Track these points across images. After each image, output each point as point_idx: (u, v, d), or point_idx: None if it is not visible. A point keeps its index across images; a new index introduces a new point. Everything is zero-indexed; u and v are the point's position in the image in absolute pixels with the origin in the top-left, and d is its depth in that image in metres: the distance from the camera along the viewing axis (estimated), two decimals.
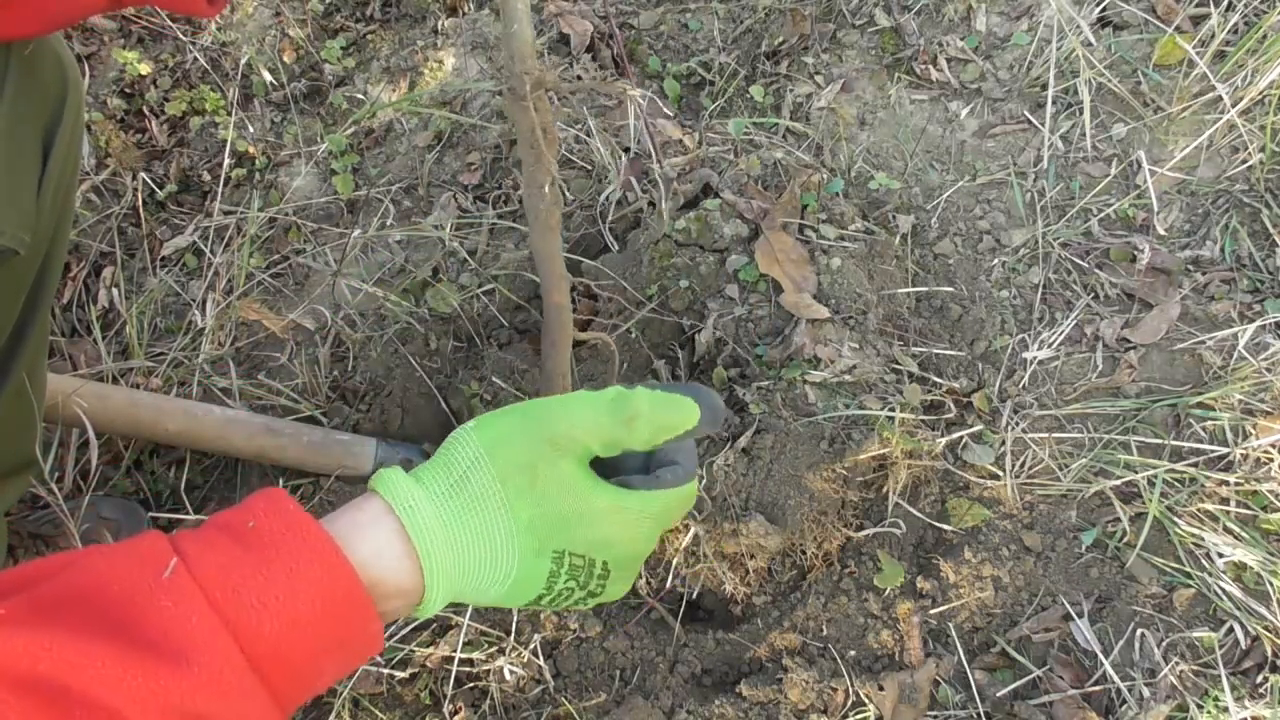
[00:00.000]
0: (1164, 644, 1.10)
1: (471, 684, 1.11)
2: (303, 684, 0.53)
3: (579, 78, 1.66)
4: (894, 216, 1.44)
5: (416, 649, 1.10)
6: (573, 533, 0.61)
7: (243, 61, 1.70)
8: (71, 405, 1.17)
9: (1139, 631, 1.12)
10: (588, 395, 0.63)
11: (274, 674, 0.50)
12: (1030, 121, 1.53)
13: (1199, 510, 1.18)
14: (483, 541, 0.59)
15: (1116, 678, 1.08)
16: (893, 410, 1.18)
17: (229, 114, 1.66)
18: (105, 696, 0.44)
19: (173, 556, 0.49)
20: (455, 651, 1.09)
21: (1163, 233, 1.41)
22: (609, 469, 0.65)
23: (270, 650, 0.50)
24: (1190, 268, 1.38)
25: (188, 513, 1.19)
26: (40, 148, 0.85)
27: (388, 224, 1.52)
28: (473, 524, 0.58)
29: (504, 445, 0.60)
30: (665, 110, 1.60)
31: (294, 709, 0.53)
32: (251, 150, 1.63)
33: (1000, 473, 1.22)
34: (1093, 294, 1.37)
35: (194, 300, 1.48)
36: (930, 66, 1.60)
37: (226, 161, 1.59)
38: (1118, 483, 1.20)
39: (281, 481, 1.24)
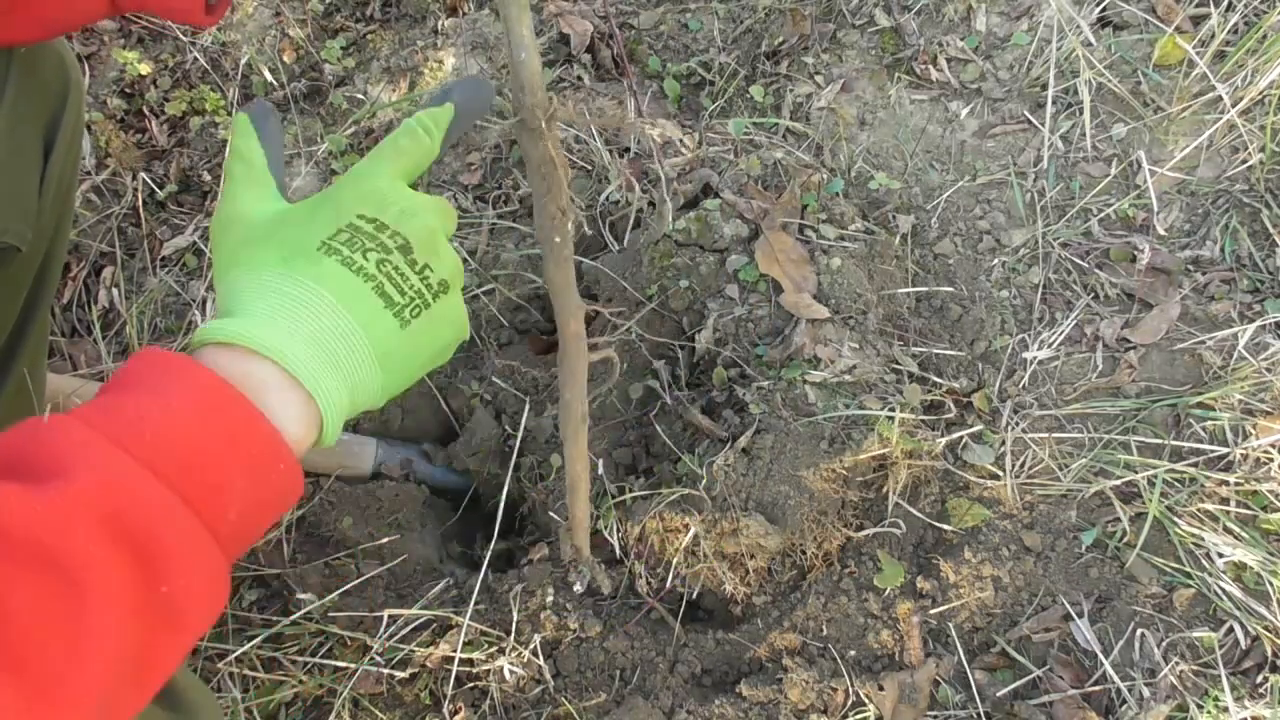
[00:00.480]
0: (1164, 644, 1.10)
1: (471, 684, 1.11)
2: (210, 486, 0.50)
3: (580, 78, 1.66)
4: (894, 216, 1.44)
5: (416, 649, 1.10)
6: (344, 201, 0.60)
7: (243, 61, 1.70)
8: (71, 405, 1.17)
9: (1139, 631, 1.12)
10: (369, 170, 0.61)
11: (169, 471, 0.48)
12: (1030, 121, 1.53)
13: (1199, 510, 1.18)
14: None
15: (1116, 678, 1.08)
16: (893, 410, 1.18)
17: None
18: (16, 527, 0.43)
19: (54, 418, 0.49)
20: (455, 651, 1.09)
21: (1163, 233, 1.41)
22: None
23: (155, 450, 0.48)
24: (1190, 268, 1.38)
25: None
26: (41, 146, 0.85)
27: None
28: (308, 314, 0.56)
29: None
30: (665, 110, 1.60)
31: (223, 526, 0.50)
32: None
33: (1000, 473, 1.22)
34: (1093, 294, 1.37)
35: (194, 300, 1.48)
36: (930, 66, 1.60)
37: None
38: (1118, 483, 1.20)
39: None
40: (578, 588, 1.12)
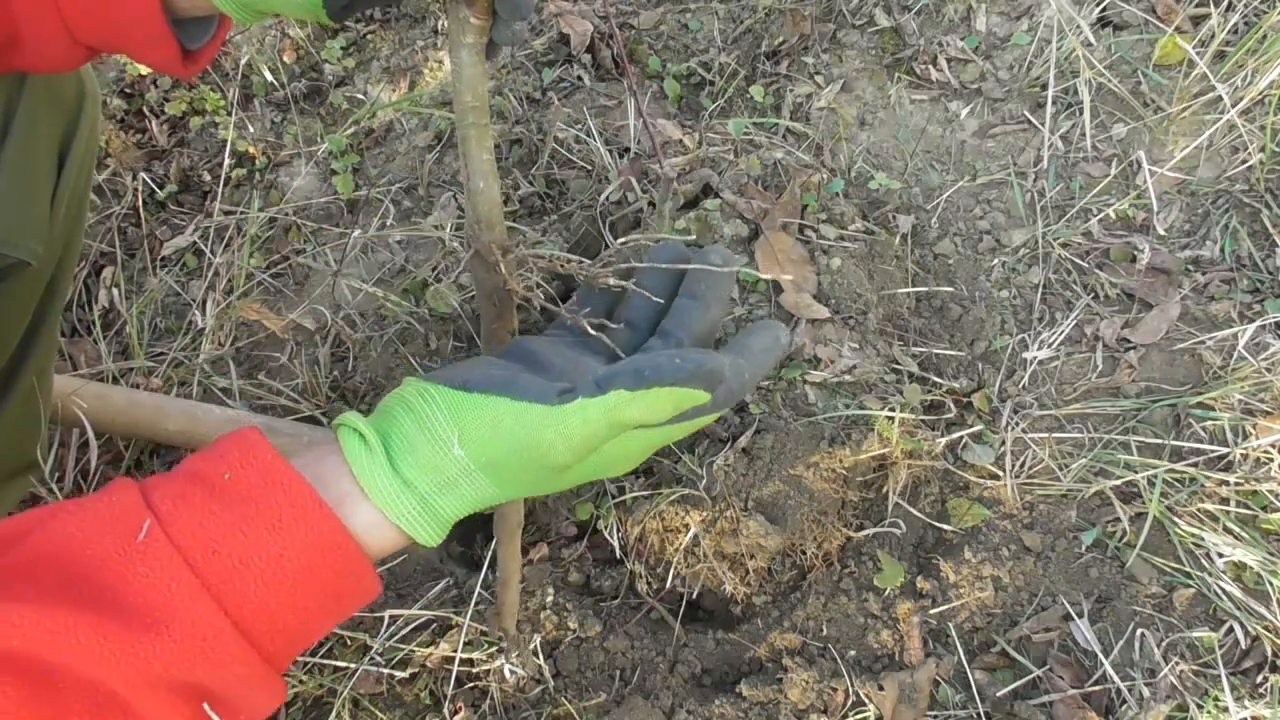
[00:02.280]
0: (1164, 644, 1.10)
1: (471, 684, 1.11)
2: (295, 641, 0.51)
3: (580, 78, 1.66)
4: (894, 216, 1.44)
5: (416, 649, 1.10)
6: (560, 480, 0.58)
7: (243, 61, 1.70)
8: (71, 405, 1.17)
9: (1139, 631, 1.12)
10: (578, 413, 0.54)
11: (263, 635, 0.48)
12: (1030, 121, 1.53)
13: (1199, 510, 1.18)
14: (477, 506, 0.57)
15: (1116, 678, 1.08)
16: (893, 410, 1.18)
17: (229, 114, 1.66)
18: (87, 670, 0.43)
19: (147, 516, 0.47)
20: (455, 651, 1.09)
21: (1163, 233, 1.41)
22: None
23: (257, 612, 0.48)
24: (1190, 268, 1.38)
25: None
26: (55, 160, 0.85)
27: (388, 224, 1.52)
28: (465, 507, 0.56)
29: (500, 468, 0.55)
30: (665, 110, 1.60)
31: (287, 665, 0.51)
32: (251, 150, 1.63)
33: (1000, 473, 1.22)
34: (1093, 294, 1.37)
35: (194, 300, 1.48)
36: (930, 66, 1.60)
37: (226, 161, 1.59)
38: (1118, 483, 1.20)
39: None
40: (508, 671, 1.07)
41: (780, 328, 0.61)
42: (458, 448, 0.54)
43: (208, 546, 0.47)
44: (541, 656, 1.11)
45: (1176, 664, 1.08)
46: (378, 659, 1.09)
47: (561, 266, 0.60)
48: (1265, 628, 1.10)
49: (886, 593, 1.15)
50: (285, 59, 1.73)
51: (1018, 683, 1.10)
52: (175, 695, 0.46)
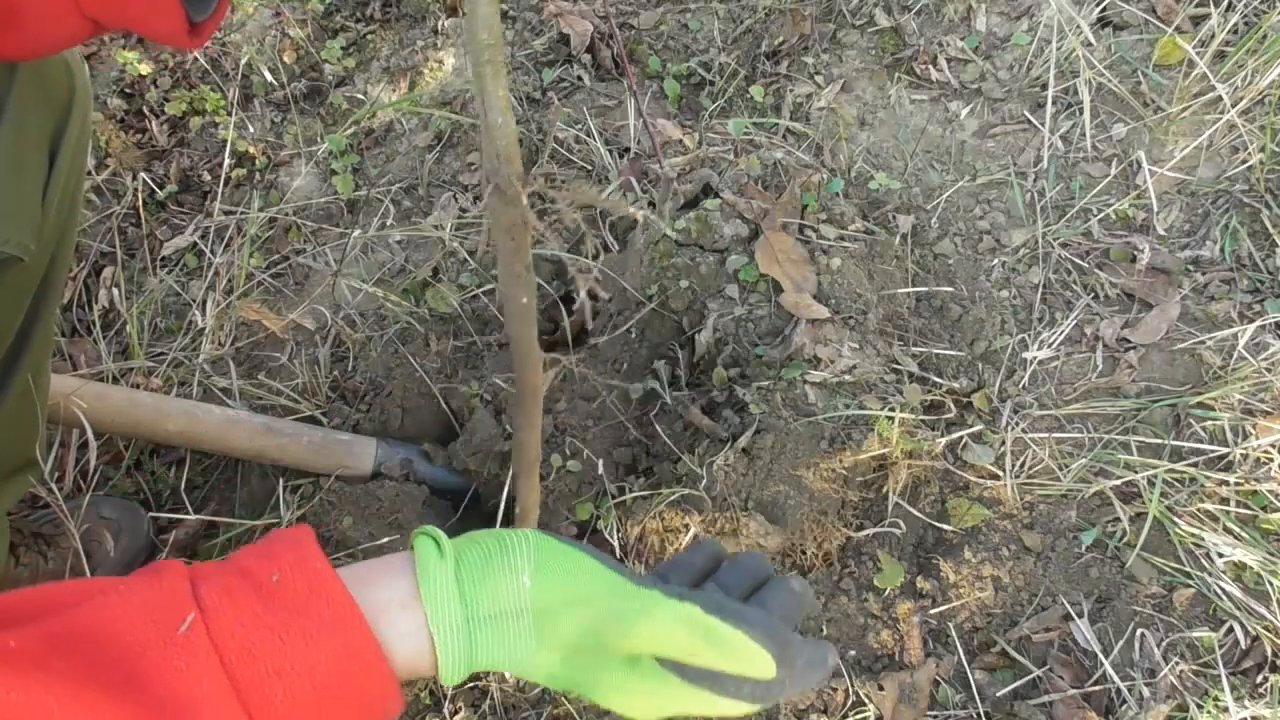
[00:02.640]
0: (1164, 644, 1.10)
1: (471, 684, 1.11)
2: None
3: (580, 78, 1.66)
4: (894, 216, 1.44)
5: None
6: (591, 697, 0.58)
7: (243, 61, 1.70)
8: (71, 405, 1.17)
9: (1139, 631, 1.12)
10: (668, 604, 0.55)
11: None
12: (1030, 121, 1.53)
13: (1199, 510, 1.18)
14: (506, 664, 0.56)
15: (1116, 678, 1.08)
16: (893, 410, 1.18)
17: (229, 114, 1.66)
18: None
19: (192, 610, 0.48)
20: None
21: (1163, 233, 1.41)
22: None
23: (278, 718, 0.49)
24: (1190, 268, 1.38)
25: (188, 512, 1.19)
26: (47, 153, 0.84)
27: (388, 224, 1.52)
28: (499, 656, 0.56)
29: (552, 617, 0.55)
30: (665, 110, 1.60)
31: None
32: (251, 150, 1.63)
33: (1000, 473, 1.22)
34: (1093, 294, 1.37)
35: (194, 300, 1.48)
36: (930, 66, 1.60)
37: (226, 161, 1.59)
38: (1118, 483, 1.20)
39: (282, 482, 1.24)
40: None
41: (831, 649, 0.61)
42: (526, 578, 0.55)
43: (244, 648, 0.48)
44: None
45: (1176, 664, 1.08)
46: None
47: (579, 201, 0.61)
48: (1265, 628, 1.10)
49: (886, 593, 1.15)
50: (285, 59, 1.73)
51: (1018, 683, 1.10)
52: None
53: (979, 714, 1.08)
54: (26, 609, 0.48)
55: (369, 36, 1.76)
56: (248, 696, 0.47)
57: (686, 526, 1.14)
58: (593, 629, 0.55)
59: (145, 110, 1.69)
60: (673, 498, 1.14)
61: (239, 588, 0.50)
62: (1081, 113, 1.49)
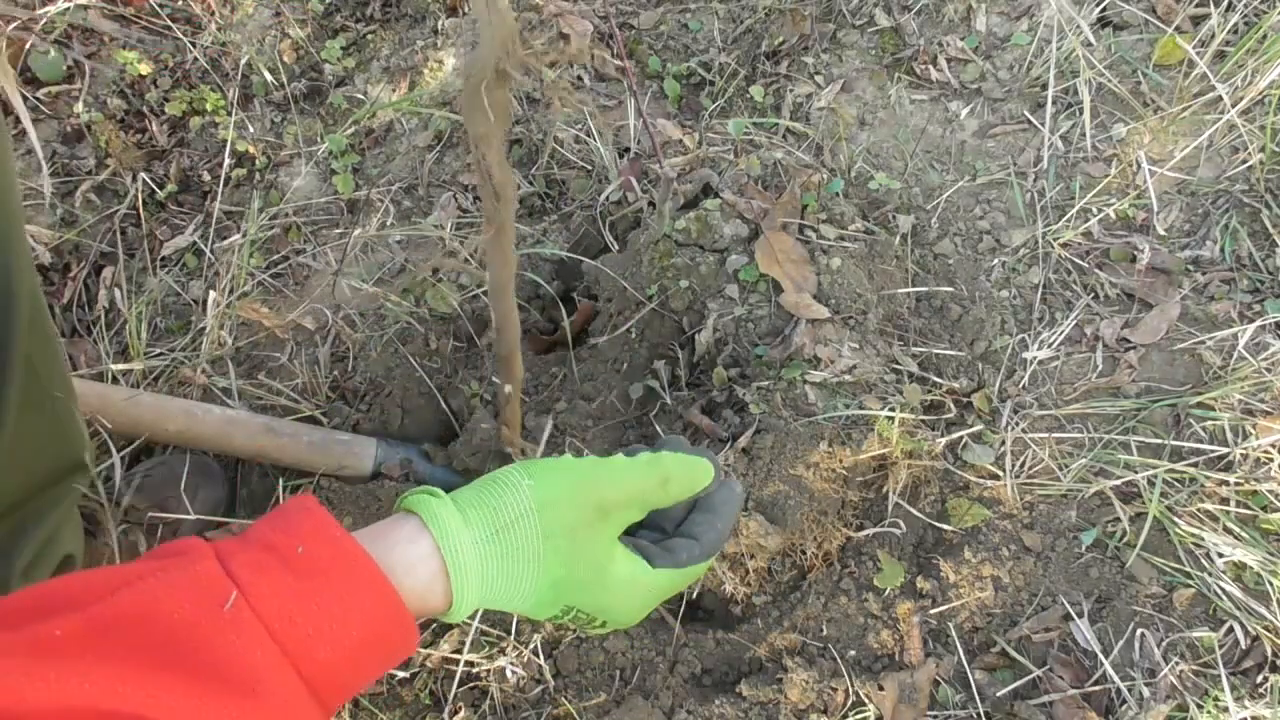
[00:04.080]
0: (1164, 644, 1.10)
1: (471, 684, 1.11)
2: (349, 695, 0.57)
3: (580, 78, 1.66)
4: (894, 216, 1.44)
5: (417, 649, 1.10)
6: (586, 595, 0.66)
7: (243, 61, 1.70)
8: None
9: (1139, 631, 1.12)
10: (627, 461, 0.68)
11: (327, 694, 0.53)
12: (1030, 121, 1.53)
13: (1199, 510, 1.18)
14: (511, 585, 0.63)
15: (1116, 678, 1.08)
16: (893, 410, 1.18)
17: (229, 114, 1.66)
18: None
19: (231, 588, 0.51)
20: (456, 652, 1.09)
21: (1163, 233, 1.41)
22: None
23: (323, 674, 0.53)
24: (1190, 268, 1.38)
25: (187, 512, 1.19)
26: None
27: (388, 224, 1.52)
28: (507, 569, 0.63)
29: (554, 506, 0.64)
30: (665, 110, 1.60)
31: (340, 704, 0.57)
32: (251, 150, 1.63)
33: (1000, 473, 1.22)
34: (1093, 294, 1.37)
35: (194, 300, 1.48)
36: (930, 66, 1.60)
37: (226, 161, 1.59)
38: (1118, 483, 1.20)
39: (282, 482, 1.24)
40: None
41: (737, 485, 0.76)
42: (528, 480, 0.64)
43: (285, 616, 0.51)
44: (542, 656, 1.11)
45: (1176, 664, 1.08)
46: None
47: (572, 60, 0.63)
48: (1265, 628, 1.10)
49: (886, 593, 1.15)
50: (285, 59, 1.73)
51: (1018, 683, 1.10)
52: None
53: (979, 714, 1.08)
54: (63, 598, 0.49)
55: (369, 36, 1.76)
56: (297, 659, 0.51)
57: None
58: (586, 500, 0.65)
59: (145, 110, 1.69)
60: None
61: (268, 562, 0.53)
62: (1081, 113, 1.49)
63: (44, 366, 0.92)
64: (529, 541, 0.63)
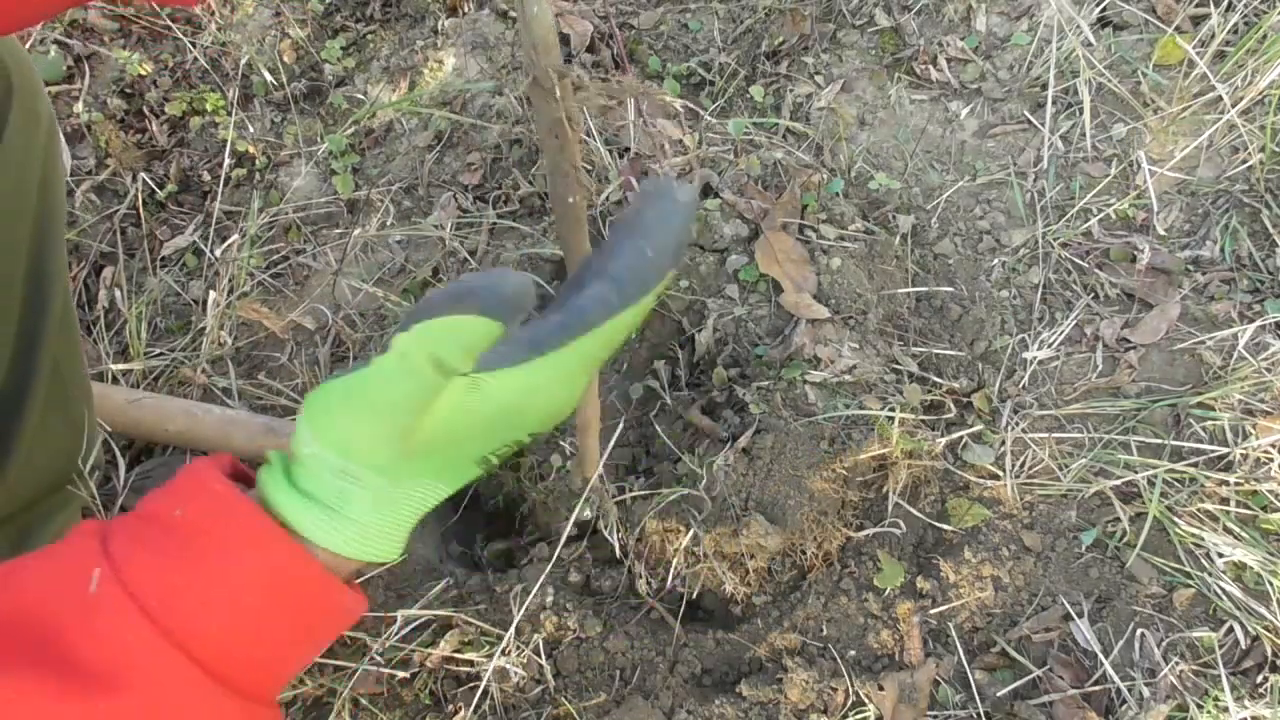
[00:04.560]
0: (1164, 644, 1.10)
1: (471, 684, 1.11)
2: (274, 671, 0.48)
3: (579, 78, 1.66)
4: (894, 216, 1.44)
5: (416, 649, 1.10)
6: (481, 443, 0.50)
7: (243, 61, 1.70)
8: None
9: (1139, 631, 1.12)
10: (376, 373, 0.48)
11: (234, 672, 0.46)
12: (1030, 121, 1.53)
13: (1199, 510, 1.18)
14: (398, 523, 0.51)
15: (1116, 678, 1.08)
16: (893, 410, 1.18)
17: (229, 114, 1.66)
18: None
19: (96, 565, 0.45)
20: (456, 652, 1.09)
21: (1163, 233, 1.41)
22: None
23: (224, 650, 0.45)
24: (1190, 268, 1.38)
25: None
26: None
27: (388, 224, 1.52)
28: (383, 520, 0.50)
29: (355, 444, 0.48)
30: (667, 109, 1.60)
31: (276, 694, 0.49)
32: (251, 150, 1.63)
33: (1000, 473, 1.22)
34: (1093, 294, 1.37)
35: (194, 300, 1.48)
36: (930, 66, 1.60)
37: (226, 161, 1.59)
38: (1118, 483, 1.20)
39: None
40: (587, 514, 1.05)
41: (677, 190, 0.50)
42: (312, 443, 0.49)
43: (165, 590, 0.45)
44: (542, 656, 1.11)
45: (1176, 664, 1.08)
46: (378, 659, 1.09)
47: (613, 93, 0.59)
48: (1265, 628, 1.10)
49: (886, 593, 1.15)
50: (285, 59, 1.73)
51: (1018, 683, 1.10)
52: None
53: (979, 714, 1.08)
54: None
55: (369, 36, 1.76)
56: (180, 637, 0.44)
57: (686, 526, 1.14)
58: (370, 409, 0.48)
59: (145, 110, 1.68)
60: (672, 498, 1.14)
61: (146, 532, 0.46)
62: (1081, 113, 1.49)
63: (68, 370, 0.92)
64: (375, 490, 0.48)
